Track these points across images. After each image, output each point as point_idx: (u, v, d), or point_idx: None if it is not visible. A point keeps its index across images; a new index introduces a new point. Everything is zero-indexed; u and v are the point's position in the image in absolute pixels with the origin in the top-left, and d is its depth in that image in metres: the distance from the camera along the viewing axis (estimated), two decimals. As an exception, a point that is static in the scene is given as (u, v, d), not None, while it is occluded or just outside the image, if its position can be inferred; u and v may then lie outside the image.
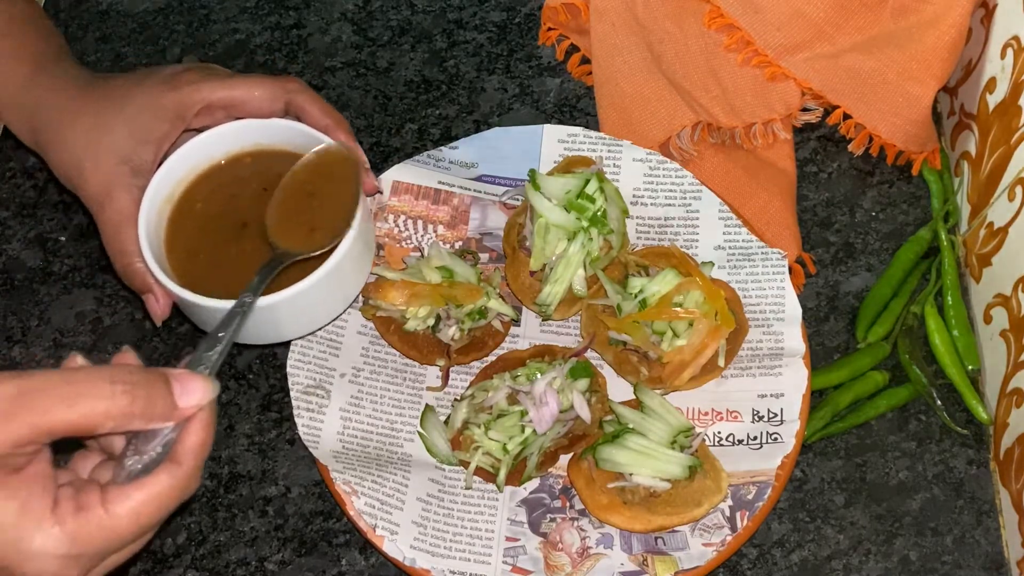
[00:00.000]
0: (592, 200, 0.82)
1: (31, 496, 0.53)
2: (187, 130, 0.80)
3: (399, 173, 0.88)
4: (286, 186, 0.78)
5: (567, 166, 0.88)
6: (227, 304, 0.72)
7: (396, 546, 0.76)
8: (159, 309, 0.79)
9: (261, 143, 0.81)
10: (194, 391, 0.56)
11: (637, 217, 0.88)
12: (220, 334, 0.65)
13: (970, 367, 0.85)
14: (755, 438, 0.79)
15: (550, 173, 0.86)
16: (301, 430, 0.79)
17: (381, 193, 0.87)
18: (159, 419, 0.55)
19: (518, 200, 0.88)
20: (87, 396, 0.53)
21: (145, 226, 0.76)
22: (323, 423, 0.80)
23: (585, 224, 0.82)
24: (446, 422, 0.80)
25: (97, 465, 0.60)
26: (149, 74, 0.81)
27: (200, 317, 0.78)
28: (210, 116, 0.80)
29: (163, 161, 0.79)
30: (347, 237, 0.75)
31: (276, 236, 0.76)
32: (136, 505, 0.54)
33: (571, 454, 0.79)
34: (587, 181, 0.83)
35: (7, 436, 0.51)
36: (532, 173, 0.83)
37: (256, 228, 0.78)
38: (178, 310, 0.79)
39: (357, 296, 0.82)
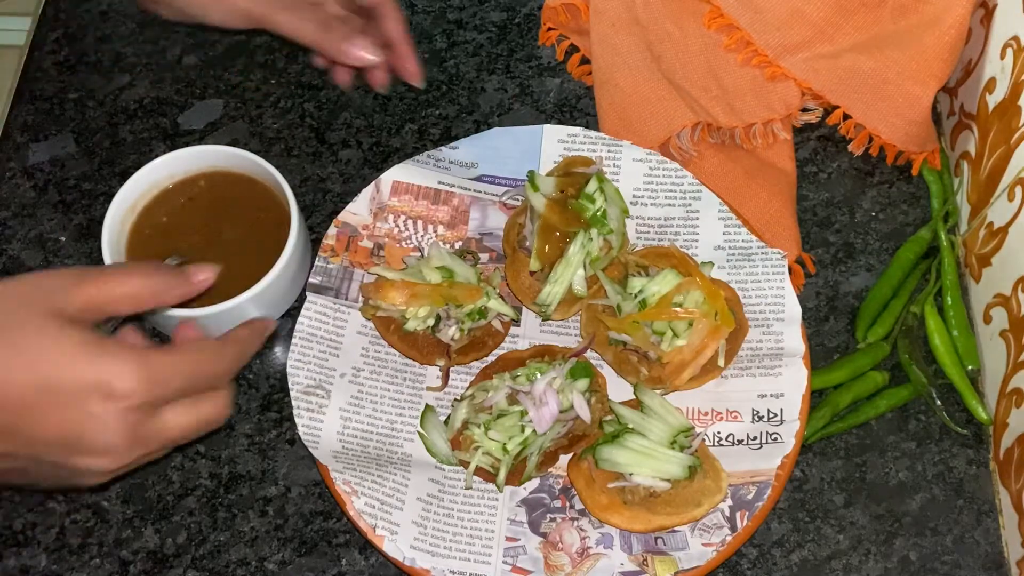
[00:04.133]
0: (592, 200, 0.82)
1: (104, 336, 0.64)
2: None
3: (399, 173, 0.88)
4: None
5: (567, 166, 0.87)
6: (185, 312, 0.78)
7: (396, 546, 0.76)
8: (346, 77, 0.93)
9: (217, 166, 0.86)
10: (204, 270, 0.71)
11: (637, 217, 0.88)
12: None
13: (970, 367, 0.85)
14: (755, 438, 0.79)
15: (550, 173, 0.86)
16: (301, 430, 0.79)
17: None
18: (183, 291, 0.69)
19: (518, 200, 0.88)
20: (134, 275, 0.66)
21: (108, 236, 0.82)
22: (323, 423, 0.80)
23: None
24: (446, 422, 0.80)
25: None
26: None
27: (159, 323, 0.83)
28: None
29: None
30: (281, 258, 0.81)
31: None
32: (190, 344, 0.67)
33: (571, 454, 0.79)
34: (587, 181, 0.83)
35: (75, 301, 0.63)
36: (531, 174, 0.84)
37: (212, 242, 0.85)
38: None
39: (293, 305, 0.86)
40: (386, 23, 0.89)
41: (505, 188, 0.89)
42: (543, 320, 0.85)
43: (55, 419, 0.62)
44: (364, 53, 0.87)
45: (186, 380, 0.66)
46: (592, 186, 0.83)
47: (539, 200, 0.83)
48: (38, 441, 0.62)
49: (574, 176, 0.85)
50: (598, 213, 0.82)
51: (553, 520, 0.78)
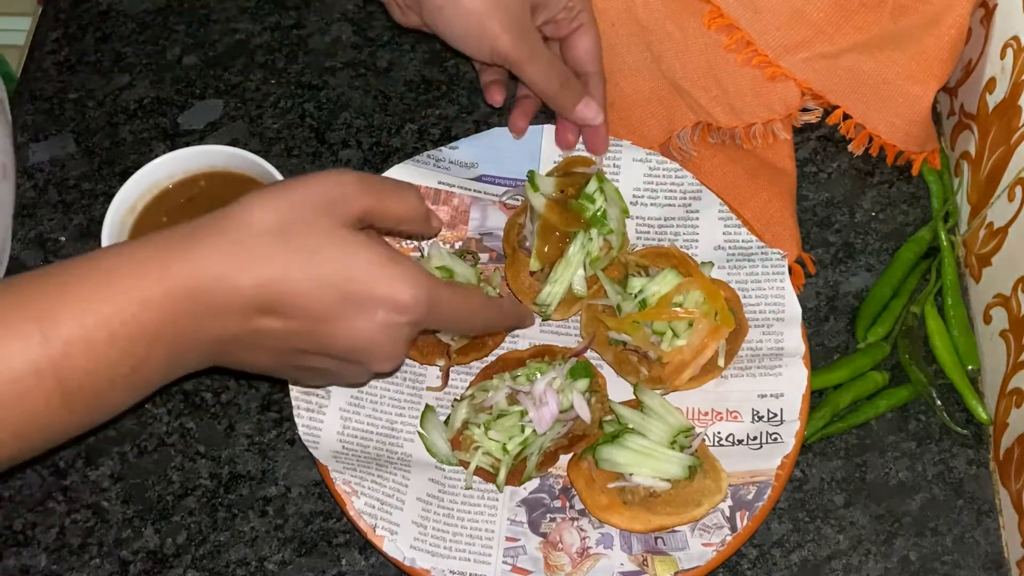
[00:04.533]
0: (592, 200, 0.82)
1: (394, 249, 0.67)
2: None
3: (399, 173, 0.88)
4: None
5: (567, 166, 0.88)
6: None
7: (396, 546, 0.76)
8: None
9: (217, 166, 0.86)
10: (438, 217, 0.78)
11: (637, 217, 0.88)
12: None
13: (970, 367, 0.85)
14: (755, 438, 0.79)
15: (549, 173, 0.86)
16: (301, 430, 0.79)
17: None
18: (428, 228, 0.74)
19: (518, 200, 0.88)
20: (408, 196, 0.70)
21: (108, 236, 0.82)
22: (323, 423, 0.80)
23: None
24: (446, 422, 0.80)
25: None
26: None
27: None
28: None
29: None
30: None
31: None
32: (468, 298, 0.74)
33: (571, 454, 0.79)
34: (587, 181, 0.83)
35: (355, 209, 0.66)
36: (531, 174, 0.83)
37: None
38: None
39: None
40: (591, 90, 0.89)
41: (505, 188, 0.89)
42: (543, 320, 0.85)
43: (349, 327, 0.65)
44: (593, 115, 0.87)
45: (457, 320, 0.73)
46: (592, 186, 0.83)
47: (539, 200, 0.83)
48: (329, 345, 0.66)
49: (574, 176, 0.85)
50: (598, 213, 0.82)
51: (553, 520, 0.78)
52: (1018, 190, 0.82)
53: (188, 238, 0.63)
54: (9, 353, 0.58)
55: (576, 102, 0.87)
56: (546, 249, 0.82)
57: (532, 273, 0.83)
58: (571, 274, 0.82)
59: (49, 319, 0.59)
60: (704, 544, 0.75)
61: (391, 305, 0.65)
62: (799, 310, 0.82)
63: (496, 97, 0.90)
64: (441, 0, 0.81)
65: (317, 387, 0.81)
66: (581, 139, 0.90)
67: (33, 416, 0.60)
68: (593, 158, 0.89)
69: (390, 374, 0.76)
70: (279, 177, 0.83)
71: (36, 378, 0.59)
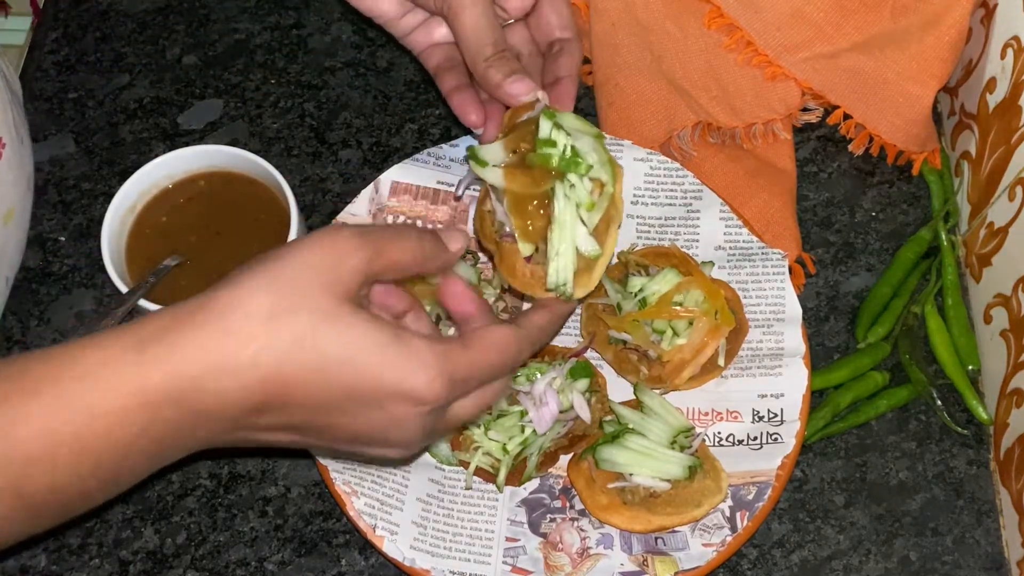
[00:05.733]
0: (552, 144, 0.68)
1: (399, 327, 0.59)
2: None
3: (398, 173, 0.88)
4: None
5: (509, 121, 0.75)
6: None
7: (396, 546, 0.76)
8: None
9: (217, 166, 0.86)
10: (456, 239, 0.65)
11: (638, 216, 0.88)
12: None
13: (970, 367, 0.85)
14: (755, 438, 0.79)
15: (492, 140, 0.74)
16: (301, 430, 0.79)
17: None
18: (444, 261, 0.64)
19: (478, 188, 0.81)
20: (408, 243, 0.61)
21: (107, 236, 0.82)
22: (323, 423, 0.80)
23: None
24: (446, 422, 0.80)
25: None
26: None
27: None
28: None
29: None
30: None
31: None
32: (491, 342, 0.62)
33: (571, 454, 0.79)
34: (537, 125, 0.70)
35: (356, 275, 0.58)
36: (471, 150, 0.71)
37: (213, 243, 0.85)
38: None
39: None
40: (563, 57, 0.80)
41: (459, 178, 0.82)
42: (566, 300, 0.71)
43: (357, 419, 0.59)
44: (523, 91, 0.75)
45: (484, 380, 0.63)
46: (545, 127, 0.69)
47: (493, 173, 0.70)
48: (337, 436, 0.61)
49: (521, 128, 0.72)
50: (565, 154, 0.68)
51: (553, 520, 0.78)
52: (1018, 190, 0.81)
53: (169, 332, 0.55)
54: None
55: (507, 74, 0.75)
56: (529, 225, 0.69)
57: (528, 259, 0.71)
58: (571, 236, 0.69)
59: (6, 440, 0.53)
60: (704, 544, 0.75)
61: (401, 396, 0.58)
62: (799, 310, 0.82)
63: (469, 113, 0.79)
64: None
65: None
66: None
67: None
68: (538, 95, 0.75)
69: (412, 460, 0.70)
70: (279, 177, 0.83)
71: None
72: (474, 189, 0.83)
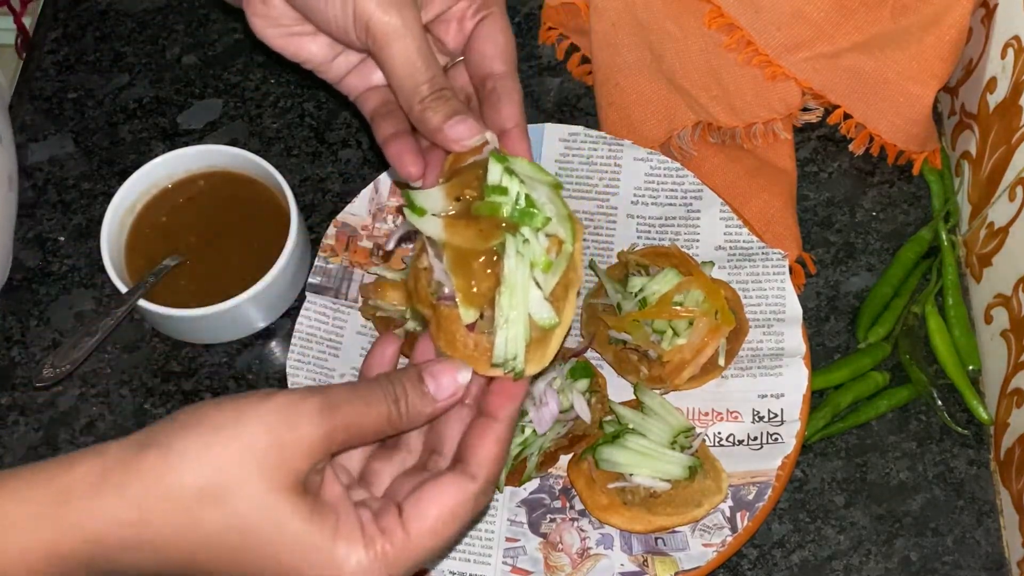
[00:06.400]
0: (503, 191, 0.57)
1: (340, 520, 0.54)
2: None
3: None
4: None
5: (452, 165, 0.62)
6: (185, 313, 0.79)
7: (396, 546, 0.75)
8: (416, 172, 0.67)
9: (216, 166, 0.86)
10: (446, 386, 0.58)
11: (638, 216, 0.88)
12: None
13: (970, 367, 0.85)
14: (755, 438, 0.79)
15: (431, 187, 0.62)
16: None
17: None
18: (421, 420, 0.57)
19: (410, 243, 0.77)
20: (380, 407, 0.55)
21: (107, 236, 0.82)
22: (323, 423, 0.79)
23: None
24: (446, 422, 0.79)
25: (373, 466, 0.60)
26: None
27: (156, 323, 0.84)
28: None
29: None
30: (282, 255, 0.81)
31: None
32: (433, 524, 0.55)
33: (571, 454, 0.79)
34: (485, 170, 0.58)
35: (301, 461, 0.53)
36: (406, 195, 0.58)
37: (213, 242, 0.85)
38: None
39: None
40: (503, 105, 0.67)
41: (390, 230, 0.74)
42: (516, 379, 0.58)
43: None
44: (465, 135, 0.62)
45: (425, 558, 0.57)
46: (495, 172, 0.57)
47: (431, 224, 0.57)
48: None
49: (466, 172, 0.60)
50: (519, 203, 0.57)
51: (553, 521, 0.78)
52: (1019, 190, 0.81)
53: (94, 487, 0.51)
54: None
55: (447, 115, 0.63)
56: (473, 286, 0.57)
57: (471, 327, 0.58)
58: (523, 301, 0.57)
59: None
60: (704, 544, 0.75)
61: None
62: (799, 310, 0.82)
63: (407, 164, 0.66)
64: None
65: None
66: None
67: None
68: (486, 137, 0.62)
69: None
70: (279, 177, 0.83)
71: None
72: (398, 244, 0.76)
